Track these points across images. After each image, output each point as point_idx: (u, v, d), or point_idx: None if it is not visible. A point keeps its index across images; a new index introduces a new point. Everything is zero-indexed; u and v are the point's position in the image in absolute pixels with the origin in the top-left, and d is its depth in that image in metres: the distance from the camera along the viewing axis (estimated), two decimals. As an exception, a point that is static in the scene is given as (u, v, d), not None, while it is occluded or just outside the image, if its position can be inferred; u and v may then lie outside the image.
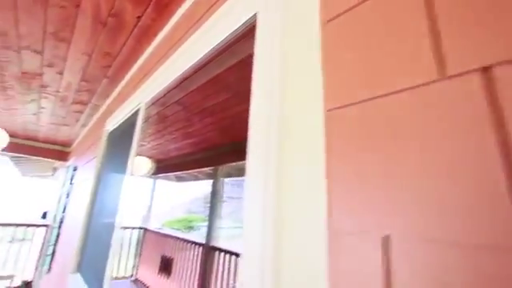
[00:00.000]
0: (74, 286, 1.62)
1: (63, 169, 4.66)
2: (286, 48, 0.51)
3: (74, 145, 4.19)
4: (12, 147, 3.95)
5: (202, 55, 0.86)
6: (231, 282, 3.10)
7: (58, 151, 4.59)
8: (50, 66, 1.92)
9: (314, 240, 0.37)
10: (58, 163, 5.76)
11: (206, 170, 4.77)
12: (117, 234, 1.14)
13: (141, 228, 5.01)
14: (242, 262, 0.49)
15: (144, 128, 1.28)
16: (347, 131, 0.38)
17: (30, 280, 4.11)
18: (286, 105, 0.48)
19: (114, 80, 2.06)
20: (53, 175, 7.26)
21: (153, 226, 5.48)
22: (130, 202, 1.19)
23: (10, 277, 3.94)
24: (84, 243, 1.78)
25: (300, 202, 0.41)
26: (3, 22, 1.49)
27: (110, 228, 1.57)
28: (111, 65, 1.84)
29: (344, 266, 0.33)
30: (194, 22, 1.01)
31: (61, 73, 2.02)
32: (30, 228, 4.40)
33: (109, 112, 2.17)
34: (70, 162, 3.78)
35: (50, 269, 2.76)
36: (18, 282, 4.03)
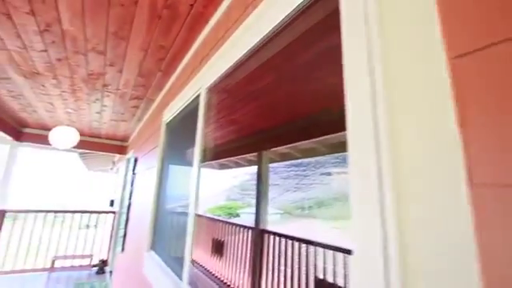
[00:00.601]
0: (149, 262, 1.81)
1: (123, 161, 5.16)
2: None
3: (131, 139, 4.59)
4: (80, 144, 4.46)
5: (267, 31, 0.85)
6: (282, 261, 3.17)
7: (118, 146, 5.07)
8: (112, 65, 2.09)
9: (452, 209, 0.34)
10: (117, 157, 6.38)
11: (248, 156, 4.86)
12: (191, 222, 1.22)
13: (186, 213, 5.36)
14: (353, 258, 0.43)
15: (207, 114, 1.32)
16: (487, 78, 0.33)
17: (105, 259, 4.72)
18: (390, 66, 0.44)
19: (167, 72, 2.16)
20: (112, 169, 8.10)
21: (199, 212, 5.82)
22: (198, 190, 1.25)
23: (90, 256, 4.57)
24: (155, 225, 1.95)
25: (427, 173, 0.37)
26: (74, 28, 1.65)
27: (177, 211, 1.69)
28: (165, 58, 1.93)
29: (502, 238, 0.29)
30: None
31: (120, 71, 2.19)
32: (101, 215, 5.00)
33: (164, 104, 2.30)
34: (129, 155, 4.16)
35: (123, 249, 3.12)
36: (95, 260, 4.66)
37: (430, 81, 0.38)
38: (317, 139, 3.59)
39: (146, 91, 2.59)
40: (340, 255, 2.52)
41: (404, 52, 0.42)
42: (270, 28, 0.81)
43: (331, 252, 2.61)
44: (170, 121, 2.03)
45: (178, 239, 1.88)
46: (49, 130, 4.26)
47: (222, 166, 6.53)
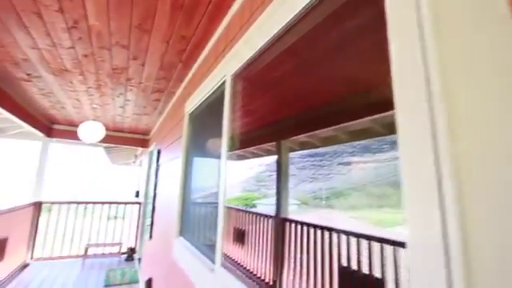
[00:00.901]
0: (179, 247, 1.88)
1: (145, 154, 5.34)
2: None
3: (153, 132, 4.73)
4: (105, 138, 4.65)
5: (295, 12, 0.83)
6: (304, 248, 3.20)
7: (140, 139, 5.25)
8: (135, 58, 2.14)
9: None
10: (139, 151, 6.61)
11: (265, 146, 4.87)
12: (221, 212, 1.24)
13: (211, 203, 5.49)
14: (410, 251, 0.40)
15: (232, 101, 1.33)
16: None
17: (133, 247, 4.98)
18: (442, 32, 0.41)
19: (188, 64, 2.18)
20: (134, 162, 8.41)
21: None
22: (226, 178, 1.27)
23: (119, 244, 4.83)
24: (182, 213, 2.02)
25: (493, 158, 0.34)
26: (100, 23, 1.70)
27: (203, 198, 1.74)
28: (186, 49, 1.95)
29: None
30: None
31: (143, 64, 2.23)
32: (128, 205, 5.24)
33: (186, 95, 2.33)
34: (152, 147, 4.30)
35: (151, 236, 3.27)
36: (124, 248, 4.92)
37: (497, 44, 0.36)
38: (337, 126, 3.52)
39: (167, 84, 2.63)
40: (364, 242, 2.50)
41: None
42: (298, 10, 0.79)
43: (355, 239, 2.59)
44: (193, 111, 2.06)
45: (206, 226, 1.94)
46: (76, 126, 4.47)
47: (239, 157, 6.59)
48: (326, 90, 2.65)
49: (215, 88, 1.53)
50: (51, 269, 4.13)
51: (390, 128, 3.25)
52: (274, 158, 4.03)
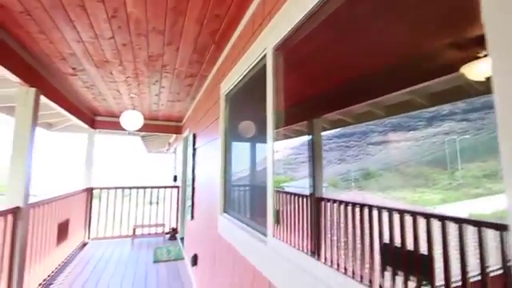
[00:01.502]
0: (224, 223, 1.97)
1: (178, 141, 5.57)
2: None
3: (185, 118, 4.88)
4: (142, 127, 4.92)
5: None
6: (342, 226, 3.19)
7: (174, 126, 5.46)
8: (170, 43, 2.18)
9: None
10: (172, 138, 6.90)
11: (294, 126, 4.80)
12: (270, 196, 1.27)
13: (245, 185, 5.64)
14: None
15: (276, 76, 1.30)
16: None
17: (175, 227, 5.33)
18: None
19: (221, 45, 2.18)
20: (168, 149, 8.83)
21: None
22: (274, 156, 1.28)
23: (162, 225, 5.20)
24: (225, 191, 2.10)
25: None
26: (137, 10, 1.74)
27: (245, 176, 1.77)
28: (219, 28, 1.94)
29: None
30: None
31: (177, 49, 2.27)
32: (167, 189, 5.57)
33: (219, 77, 2.35)
34: (186, 133, 4.46)
35: (192, 216, 3.46)
36: (167, 229, 5.29)
37: None
38: (374, 100, 3.36)
39: (199, 67, 2.67)
40: (408, 219, 2.42)
41: None
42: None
43: (397, 216, 2.52)
44: (229, 92, 2.07)
45: (251, 201, 2.00)
46: (116, 116, 4.76)
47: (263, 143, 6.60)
48: (362, 62, 2.51)
49: (254, 64, 1.51)
50: (106, 247, 4.59)
51: (434, 98, 3.01)
52: (300, 140, 3.99)
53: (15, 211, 2.34)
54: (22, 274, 2.44)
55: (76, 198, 4.26)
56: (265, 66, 1.34)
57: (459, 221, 1.99)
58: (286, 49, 1.30)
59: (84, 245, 4.67)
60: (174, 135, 5.96)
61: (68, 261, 3.82)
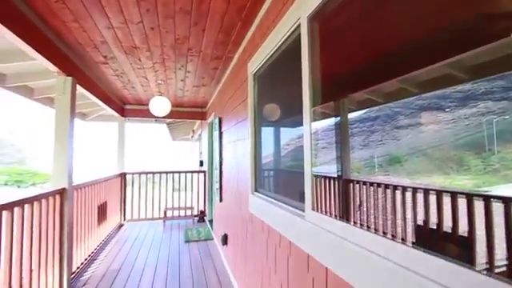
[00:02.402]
0: (256, 201, 2.00)
1: (203, 127, 5.66)
2: None
3: (210, 103, 4.94)
4: (168, 113, 5.05)
5: None
6: (371, 207, 3.13)
7: (199, 112, 5.55)
8: (196, 24, 2.16)
9: None
10: (196, 125, 7.03)
11: (319, 108, 4.66)
12: (308, 172, 1.25)
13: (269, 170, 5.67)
14: None
15: (312, 47, 1.25)
16: None
17: (203, 210, 5.53)
18: None
19: (248, 21, 2.13)
20: (192, 137, 9.04)
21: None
22: (312, 135, 1.25)
23: (191, 208, 5.41)
24: (255, 171, 2.11)
25: None
26: (165, -11, 1.73)
27: (273, 155, 1.76)
28: (246, 4, 1.89)
29: None
30: None
31: (203, 29, 2.26)
32: (194, 174, 5.75)
33: (246, 57, 2.32)
34: (211, 118, 4.52)
35: (221, 199, 3.55)
36: (195, 211, 5.50)
37: None
38: (405, 76, 3.17)
39: (225, 49, 2.64)
40: (447, 200, 2.30)
41: None
42: None
43: (434, 197, 2.40)
44: (257, 70, 2.04)
45: (284, 180, 2.00)
46: (144, 104, 4.92)
47: (295, 124, 6.52)
48: (394, 34, 2.34)
49: (286, 36, 1.46)
50: (140, 228, 4.89)
51: (476, 70, 2.77)
52: (321, 124, 3.87)
53: (61, 192, 2.54)
54: (71, 251, 2.67)
55: (112, 182, 4.53)
56: (298, 38, 1.29)
57: (507, 200, 1.86)
58: (319, 19, 1.24)
59: (120, 226, 5.01)
60: (198, 121, 6.06)
61: (107, 240, 4.13)
